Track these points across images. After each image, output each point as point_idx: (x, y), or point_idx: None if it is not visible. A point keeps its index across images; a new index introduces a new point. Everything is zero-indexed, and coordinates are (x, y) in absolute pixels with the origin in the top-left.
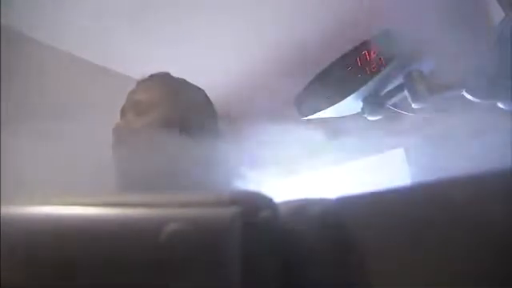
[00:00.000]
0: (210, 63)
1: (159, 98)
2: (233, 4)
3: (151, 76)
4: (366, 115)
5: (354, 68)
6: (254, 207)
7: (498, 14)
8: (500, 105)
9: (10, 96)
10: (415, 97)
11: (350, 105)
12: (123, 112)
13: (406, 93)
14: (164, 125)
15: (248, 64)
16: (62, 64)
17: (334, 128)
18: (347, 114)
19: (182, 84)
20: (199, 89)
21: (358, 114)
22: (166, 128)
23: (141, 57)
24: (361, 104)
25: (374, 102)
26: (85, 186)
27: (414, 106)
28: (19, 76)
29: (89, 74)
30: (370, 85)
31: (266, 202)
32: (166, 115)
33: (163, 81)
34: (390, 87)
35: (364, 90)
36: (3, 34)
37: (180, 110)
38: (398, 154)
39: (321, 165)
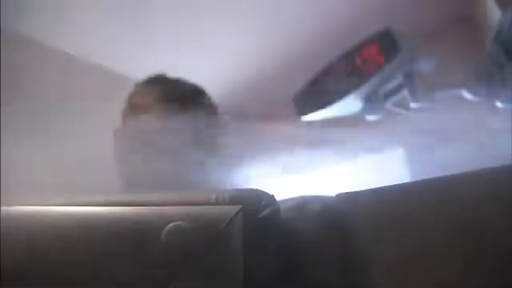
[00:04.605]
0: (209, 63)
1: (156, 100)
2: (232, 5)
3: (148, 78)
4: (365, 115)
5: (353, 67)
6: (255, 205)
7: (496, 12)
8: (499, 104)
9: (9, 96)
10: (415, 97)
11: (350, 105)
12: (123, 115)
13: (405, 93)
14: (162, 128)
15: (247, 64)
16: (61, 65)
17: (333, 128)
18: (347, 113)
19: (179, 84)
20: (197, 87)
21: (357, 113)
22: (164, 129)
23: (140, 58)
24: (360, 104)
25: (374, 102)
26: (86, 185)
27: (413, 105)
28: (19, 76)
29: (88, 74)
30: (370, 84)
31: (267, 200)
32: (164, 116)
33: (159, 82)
34: (389, 87)
35: (363, 89)
36: (3, 34)
37: (177, 112)
38: (398, 153)
39: (320, 164)
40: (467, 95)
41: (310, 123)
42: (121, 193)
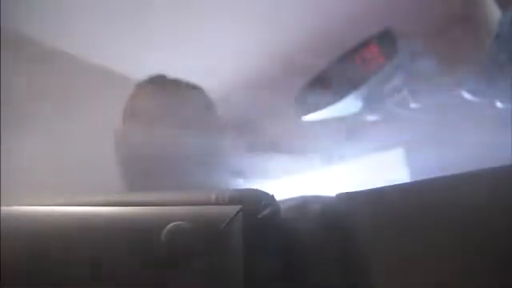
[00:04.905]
0: (210, 63)
1: (156, 100)
2: (232, 5)
3: (148, 79)
4: (365, 115)
5: (353, 67)
6: (255, 205)
7: (496, 13)
8: (498, 104)
9: (10, 96)
10: (415, 97)
11: (350, 104)
12: (124, 115)
13: (405, 93)
14: (162, 129)
15: (247, 64)
16: (61, 64)
17: (333, 128)
18: (347, 113)
19: (178, 85)
20: (196, 88)
21: (357, 113)
22: (164, 130)
23: (140, 57)
24: (360, 104)
25: (374, 102)
26: (86, 185)
27: (413, 105)
28: (19, 76)
29: (88, 74)
30: (370, 84)
31: (267, 200)
32: (164, 119)
33: (159, 83)
34: (389, 87)
35: (364, 89)
36: (3, 35)
37: (177, 113)
38: (398, 153)
39: (321, 164)
40: (467, 95)
41: (311, 123)
42: (121, 193)
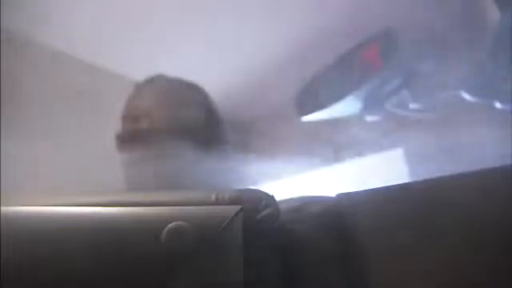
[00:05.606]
0: (210, 64)
1: (156, 101)
2: (233, 5)
3: (147, 80)
4: (365, 115)
5: (353, 68)
6: (255, 205)
7: (495, 14)
8: (497, 105)
9: (10, 97)
10: (415, 97)
11: (350, 105)
12: (123, 118)
13: (405, 93)
14: (162, 129)
15: (248, 64)
16: (62, 65)
17: (333, 128)
18: (347, 114)
19: (179, 85)
20: (198, 88)
21: (357, 114)
22: (164, 132)
23: (140, 58)
24: (360, 104)
25: (374, 102)
26: (86, 185)
27: (413, 106)
28: (19, 77)
29: (89, 74)
30: (370, 85)
31: (267, 200)
32: (164, 120)
33: (159, 83)
34: (389, 87)
35: (364, 89)
36: (3, 35)
37: (177, 114)
38: (398, 153)
39: (321, 165)
40: (467, 95)
41: (311, 123)
42: (121, 193)
